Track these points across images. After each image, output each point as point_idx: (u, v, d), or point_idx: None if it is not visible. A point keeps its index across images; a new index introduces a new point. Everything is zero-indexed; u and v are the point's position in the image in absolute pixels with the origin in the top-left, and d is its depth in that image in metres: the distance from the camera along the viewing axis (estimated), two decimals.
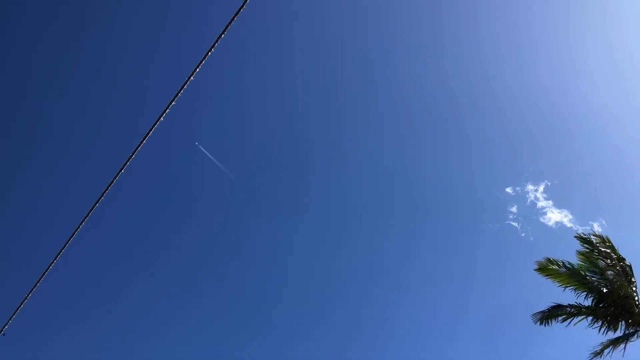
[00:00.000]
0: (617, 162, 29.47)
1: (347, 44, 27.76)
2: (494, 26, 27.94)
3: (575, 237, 16.11)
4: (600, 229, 27.00)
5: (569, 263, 16.06)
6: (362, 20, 27.37)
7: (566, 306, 15.92)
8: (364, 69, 28.64)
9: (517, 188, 27.95)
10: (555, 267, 16.06)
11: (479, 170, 29.81)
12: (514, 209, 27.90)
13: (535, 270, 16.31)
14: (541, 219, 27.50)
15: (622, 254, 15.80)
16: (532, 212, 27.90)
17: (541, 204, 27.22)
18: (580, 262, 16.06)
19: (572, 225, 27.02)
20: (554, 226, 27.27)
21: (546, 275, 16.16)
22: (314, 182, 29.78)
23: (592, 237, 15.89)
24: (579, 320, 15.82)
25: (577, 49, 28.39)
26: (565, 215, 26.98)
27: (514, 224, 27.92)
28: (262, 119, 28.64)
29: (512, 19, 27.84)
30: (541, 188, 27.36)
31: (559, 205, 27.31)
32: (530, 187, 27.52)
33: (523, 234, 28.39)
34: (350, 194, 29.84)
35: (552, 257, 16.25)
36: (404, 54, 28.31)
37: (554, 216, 27.01)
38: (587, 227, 27.47)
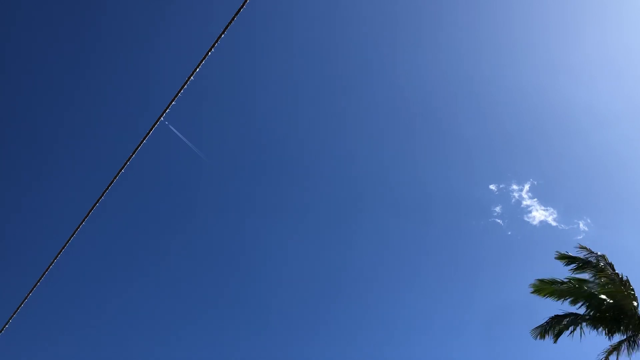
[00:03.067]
0: (602, 161, 29.68)
1: (339, 44, 27.93)
2: (479, 26, 28.17)
3: (556, 258, 16.48)
4: (586, 228, 27.10)
5: (560, 280, 16.36)
6: (353, 20, 27.64)
7: (564, 316, 16.08)
8: (353, 69, 28.83)
9: (501, 186, 28.05)
10: (548, 286, 16.36)
11: (464, 168, 29.99)
12: (499, 208, 27.99)
13: (531, 293, 16.63)
14: (526, 218, 27.60)
15: (609, 253, 16.24)
16: (517, 211, 28.01)
17: (526, 202, 27.31)
18: (572, 276, 16.37)
19: (557, 224, 27.12)
20: (538, 225, 27.36)
21: (543, 296, 16.47)
22: (308, 181, 29.85)
23: (580, 253, 16.20)
24: (577, 330, 15.95)
25: (563, 48, 28.55)
26: (551, 214, 27.05)
27: (498, 220, 28.01)
28: (260, 117, 28.76)
29: (496, 19, 28.05)
30: (526, 187, 27.45)
31: (544, 204, 27.40)
32: (514, 186, 27.61)
33: (509, 232, 28.47)
34: (338, 193, 29.88)
35: (543, 276, 16.60)
36: (392, 54, 28.51)
37: (539, 215, 27.10)
38: (573, 226, 27.45)
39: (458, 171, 29.81)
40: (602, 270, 15.74)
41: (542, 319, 16.44)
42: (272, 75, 28.04)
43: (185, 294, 28.17)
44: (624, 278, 15.54)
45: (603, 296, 15.64)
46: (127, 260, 28.24)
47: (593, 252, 16.08)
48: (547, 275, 16.61)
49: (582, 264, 16.10)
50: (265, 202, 29.31)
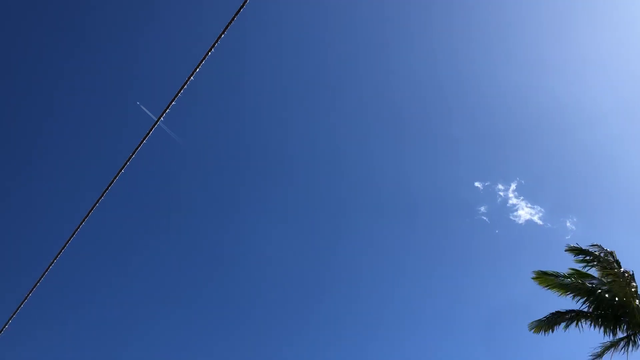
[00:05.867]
0: (588, 160, 29.68)
1: (326, 43, 27.96)
2: (465, 25, 28.09)
3: (566, 250, 16.40)
4: (574, 227, 27.16)
5: (563, 273, 16.34)
6: (340, 20, 27.63)
7: (565, 312, 16.05)
8: (340, 68, 28.86)
9: (488, 184, 28.05)
10: (551, 278, 16.34)
11: (450, 166, 30.02)
12: (485, 206, 27.99)
13: (533, 279, 16.59)
14: (512, 217, 27.61)
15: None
16: (503, 210, 28.04)
17: (512, 201, 27.31)
18: (576, 269, 16.32)
19: (544, 223, 27.15)
20: (524, 224, 27.38)
21: (545, 287, 16.44)
22: (294, 180, 29.87)
23: (590, 248, 16.12)
24: (577, 327, 15.94)
25: (550, 46, 28.56)
26: (537, 213, 27.05)
27: (484, 218, 28.02)
28: (249, 117, 28.81)
29: (482, 18, 27.99)
30: (513, 186, 27.46)
31: (531, 202, 27.41)
32: (500, 185, 27.61)
33: (497, 231, 28.49)
34: (324, 192, 29.89)
35: (543, 267, 16.64)
36: (378, 54, 28.52)
37: (525, 214, 27.11)
38: (560, 225, 27.50)
39: (444, 169, 29.91)
40: (609, 267, 15.61)
41: (538, 317, 16.49)
42: (263, 75, 28.12)
43: (179, 292, 28.28)
44: (631, 273, 15.47)
45: (606, 294, 15.57)
46: (126, 260, 28.29)
47: (603, 249, 15.90)
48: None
49: (591, 259, 15.94)
50: (253, 201, 29.39)
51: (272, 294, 28.76)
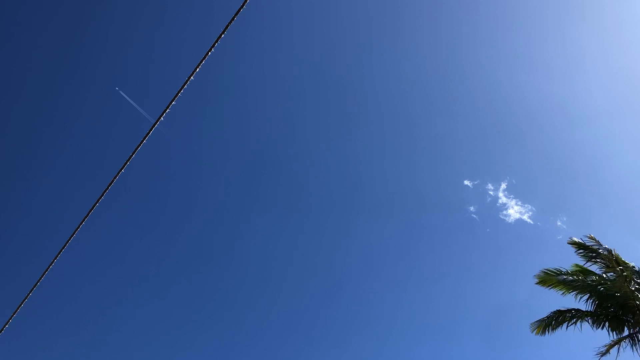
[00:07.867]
0: (579, 159, 29.71)
1: (318, 45, 27.91)
2: (453, 24, 28.07)
3: (568, 243, 16.32)
4: (565, 226, 27.20)
5: (565, 270, 16.24)
6: (326, 21, 27.57)
7: (566, 311, 15.91)
8: (339, 70, 28.80)
9: (477, 183, 28.07)
10: (554, 277, 16.21)
11: (440, 165, 30.02)
12: (477, 205, 28.04)
13: (536, 284, 16.50)
14: (502, 216, 27.65)
15: None
16: (493, 209, 28.08)
17: (502, 200, 27.35)
18: (577, 268, 16.22)
19: (534, 222, 27.20)
20: (514, 223, 27.41)
21: (548, 287, 16.31)
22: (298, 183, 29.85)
23: (587, 241, 16.04)
24: (579, 326, 15.84)
25: (539, 45, 28.58)
26: (527, 212, 27.09)
27: (474, 216, 28.06)
28: (253, 118, 28.80)
29: (470, 17, 27.98)
30: (503, 185, 27.51)
31: (521, 201, 27.44)
32: (490, 185, 27.65)
33: (487, 230, 28.53)
34: (316, 194, 29.85)
35: (535, 266, 16.58)
36: (368, 55, 28.51)
37: (516, 213, 27.15)
38: (550, 225, 27.56)
39: (433, 167, 29.95)
40: (609, 263, 15.46)
41: (533, 314, 16.38)
42: (263, 74, 28.17)
43: (182, 293, 28.25)
44: (637, 269, 15.33)
45: (609, 291, 15.40)
46: (127, 260, 28.29)
47: (602, 245, 15.78)
48: (533, 272, 16.61)
49: (592, 254, 15.81)
50: (259, 204, 29.40)
51: (270, 294, 28.79)
